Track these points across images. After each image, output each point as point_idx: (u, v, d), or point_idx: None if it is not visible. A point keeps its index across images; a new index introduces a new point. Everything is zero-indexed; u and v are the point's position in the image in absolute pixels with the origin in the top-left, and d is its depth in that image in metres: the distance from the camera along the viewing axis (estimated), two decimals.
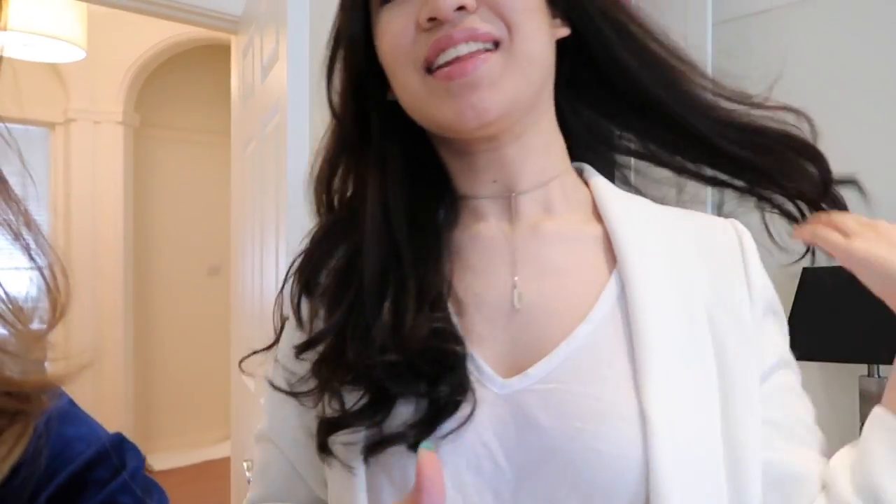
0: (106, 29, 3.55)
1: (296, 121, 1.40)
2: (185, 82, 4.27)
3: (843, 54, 2.03)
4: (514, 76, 0.54)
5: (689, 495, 0.47)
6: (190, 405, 4.58)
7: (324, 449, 0.53)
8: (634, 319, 0.52)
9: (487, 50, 0.53)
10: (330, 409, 0.52)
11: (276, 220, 1.54)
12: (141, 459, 0.35)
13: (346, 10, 0.60)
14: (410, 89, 0.56)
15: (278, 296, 0.64)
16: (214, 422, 4.63)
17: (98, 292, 3.91)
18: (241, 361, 0.67)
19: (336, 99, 0.63)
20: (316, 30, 1.48)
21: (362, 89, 0.60)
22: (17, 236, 0.31)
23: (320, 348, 0.55)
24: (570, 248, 0.57)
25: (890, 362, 0.58)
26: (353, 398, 0.51)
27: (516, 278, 0.55)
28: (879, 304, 0.64)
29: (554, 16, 0.59)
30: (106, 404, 3.94)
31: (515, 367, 0.52)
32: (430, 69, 0.54)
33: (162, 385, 4.45)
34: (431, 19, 0.52)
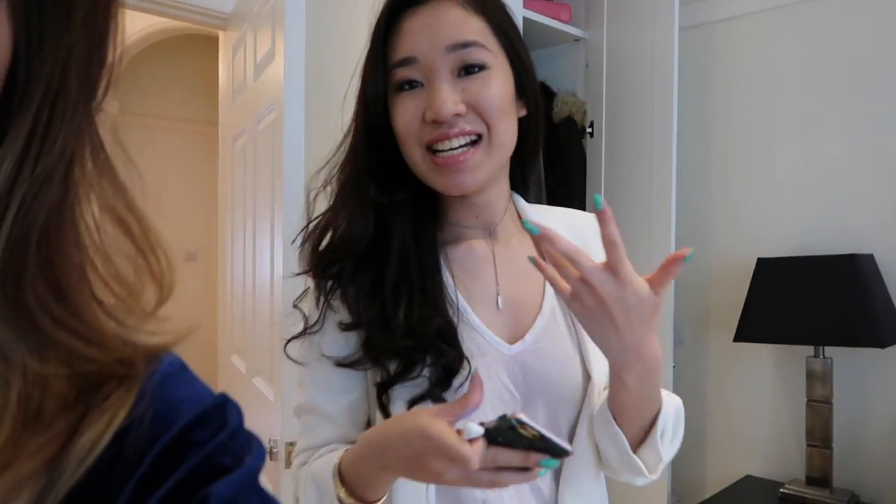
0: None
1: (291, 119, 1.50)
2: (163, 73, 4.29)
3: (805, 60, 2.18)
4: (489, 162, 0.80)
5: (599, 382, 0.82)
6: None
7: (381, 404, 0.78)
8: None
9: (473, 142, 0.78)
10: (381, 374, 0.78)
11: (271, 211, 1.64)
12: (241, 417, 0.36)
13: (367, 75, 0.82)
14: (414, 160, 0.81)
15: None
16: None
17: None
18: (285, 344, 0.86)
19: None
20: (311, 31, 1.58)
21: (372, 134, 0.83)
22: (120, 220, 0.32)
23: (359, 333, 0.80)
24: (523, 253, 0.82)
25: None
26: (394, 366, 0.77)
27: (498, 291, 0.86)
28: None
29: (519, 97, 0.84)
30: None
31: (511, 337, 0.83)
32: (430, 148, 0.79)
33: None
34: (433, 121, 0.77)
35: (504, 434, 0.61)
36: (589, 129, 2.44)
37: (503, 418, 0.61)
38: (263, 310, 1.73)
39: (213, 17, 2.20)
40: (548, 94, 2.48)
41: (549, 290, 0.85)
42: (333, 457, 0.74)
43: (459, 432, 0.61)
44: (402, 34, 0.79)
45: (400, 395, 0.77)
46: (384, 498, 0.71)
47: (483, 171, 0.79)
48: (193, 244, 4.62)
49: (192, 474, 0.31)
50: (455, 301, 0.82)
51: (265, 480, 1.69)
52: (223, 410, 0.35)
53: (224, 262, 2.34)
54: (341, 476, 0.71)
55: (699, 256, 2.33)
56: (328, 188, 0.85)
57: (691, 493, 2.36)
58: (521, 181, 0.93)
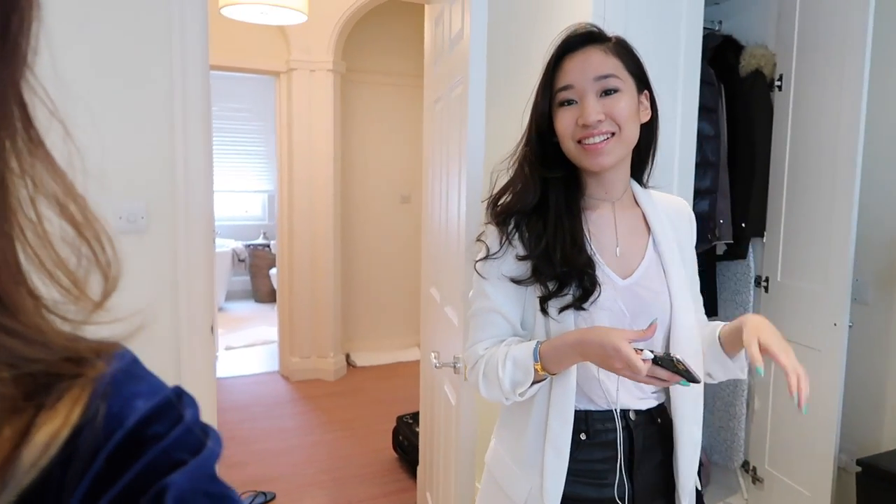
0: None
1: (475, 96, 1.77)
2: (381, 32, 4.78)
3: None
4: (618, 149, 1.18)
5: (684, 310, 1.19)
6: (384, 314, 5.32)
7: (542, 309, 1.17)
8: (661, 252, 1.23)
9: (608, 138, 1.16)
10: (543, 290, 1.17)
11: (458, 169, 1.95)
12: (196, 410, 0.36)
13: (538, 97, 1.22)
14: (569, 149, 1.20)
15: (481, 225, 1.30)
16: (404, 329, 5.36)
17: (313, 213, 4.66)
18: (475, 263, 1.25)
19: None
20: (494, 12, 1.82)
21: (540, 135, 1.23)
22: (61, 207, 0.30)
23: (529, 263, 1.18)
24: (635, 222, 1.26)
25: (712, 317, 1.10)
26: (553, 285, 1.16)
27: (618, 246, 1.23)
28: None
29: (640, 91, 1.21)
30: (319, 312, 4.75)
31: (623, 274, 1.21)
32: (579, 142, 1.17)
33: (362, 296, 5.20)
34: (584, 125, 1.16)
35: (664, 362, 1.01)
36: (778, 83, 2.41)
37: (668, 354, 1.02)
38: (452, 250, 2.07)
39: None
40: (735, 47, 2.48)
41: (650, 246, 1.24)
42: (528, 344, 1.15)
43: (639, 351, 1.00)
44: (563, 70, 1.19)
45: (554, 305, 1.16)
46: (563, 372, 1.15)
47: (614, 155, 1.18)
48: (407, 188, 5.17)
49: (147, 470, 0.31)
50: (591, 247, 1.19)
51: (448, 389, 2.07)
52: (178, 404, 0.34)
53: (425, 207, 2.72)
54: (538, 355, 1.12)
55: (883, 212, 2.24)
56: (508, 171, 1.25)
57: (863, 451, 2.35)
58: (639, 173, 1.31)
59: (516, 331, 1.22)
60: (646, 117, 1.22)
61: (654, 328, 1.06)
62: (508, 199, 1.22)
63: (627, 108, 1.16)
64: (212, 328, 2.34)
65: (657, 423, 1.23)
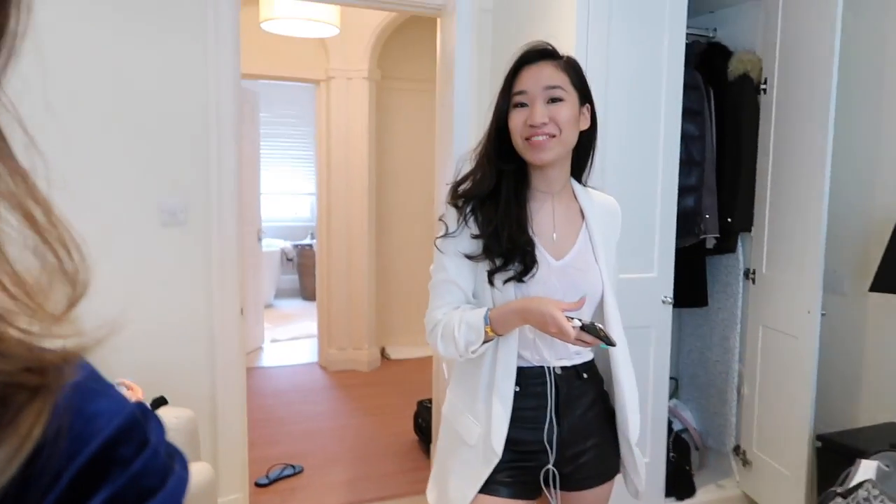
0: (356, 9, 4.42)
1: (460, 97, 2.01)
2: (413, 41, 5.05)
3: None
4: (557, 148, 1.40)
5: (611, 289, 1.45)
6: (418, 310, 5.56)
7: (490, 281, 1.38)
8: (591, 236, 1.46)
9: (549, 137, 1.38)
10: (490, 265, 1.38)
11: (444, 162, 2.18)
12: (162, 430, 0.34)
13: (500, 99, 1.44)
14: (517, 144, 1.41)
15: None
16: None
17: (349, 214, 4.95)
18: (436, 239, 1.45)
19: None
20: (484, 28, 2.04)
21: (499, 131, 1.45)
22: (22, 209, 0.28)
23: (481, 241, 1.39)
24: (572, 213, 1.49)
25: None
26: (499, 261, 1.37)
27: (554, 232, 1.45)
28: None
29: (582, 104, 1.43)
30: (355, 307, 5.03)
31: (557, 256, 1.43)
32: (527, 139, 1.38)
33: (397, 292, 5.45)
34: (531, 125, 1.37)
35: (589, 328, 1.27)
36: (763, 86, 2.56)
37: (592, 323, 1.28)
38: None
39: (428, 8, 2.76)
40: (724, 53, 2.63)
41: (582, 232, 1.47)
42: (480, 311, 1.36)
43: (570, 319, 1.25)
44: (520, 78, 1.42)
45: (499, 278, 1.38)
46: (509, 334, 1.38)
47: (553, 153, 1.40)
48: (431, 181, 5.41)
49: (115, 498, 0.30)
50: (532, 231, 1.42)
51: (444, 367, 2.31)
52: (144, 424, 0.33)
53: (432, 189, 2.96)
54: (488, 320, 1.35)
55: (860, 207, 2.36)
56: (470, 161, 1.48)
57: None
58: (579, 172, 1.53)
59: (468, 299, 1.45)
60: (585, 125, 1.46)
61: (582, 301, 1.34)
62: (468, 186, 1.45)
63: (568, 115, 1.39)
64: (241, 310, 2.64)
65: (582, 378, 1.46)
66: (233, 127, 2.52)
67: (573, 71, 1.44)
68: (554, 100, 1.38)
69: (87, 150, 2.38)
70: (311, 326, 6.29)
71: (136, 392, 2.17)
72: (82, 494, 0.29)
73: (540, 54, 1.44)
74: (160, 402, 2.32)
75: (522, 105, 1.40)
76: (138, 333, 2.53)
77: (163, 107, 2.48)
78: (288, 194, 8.07)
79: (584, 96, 1.44)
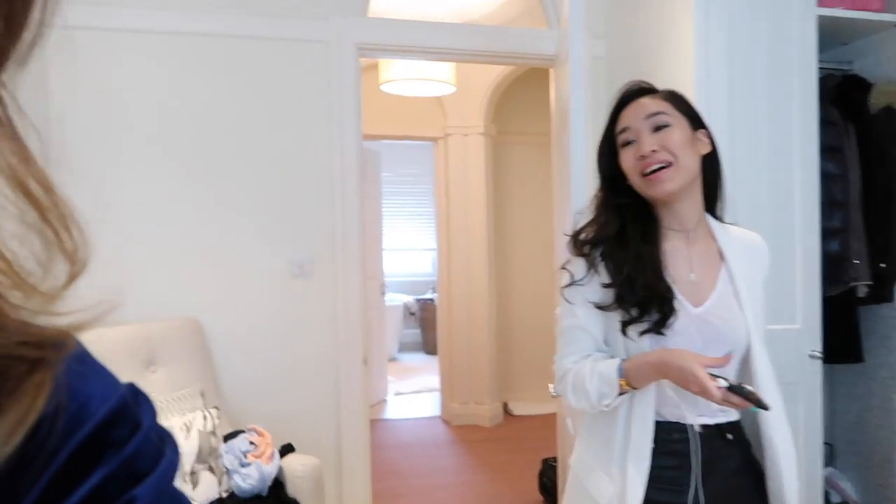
0: (471, 67, 4.55)
1: (576, 148, 1.98)
2: (527, 95, 5.10)
3: None
4: (678, 177, 1.29)
5: (759, 342, 1.30)
6: (541, 366, 5.44)
7: (623, 332, 1.29)
8: (733, 278, 1.32)
9: (666, 166, 1.28)
10: (624, 315, 1.28)
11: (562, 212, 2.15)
12: (153, 412, 0.34)
13: (603, 146, 1.40)
14: (636, 183, 1.33)
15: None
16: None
17: (469, 268, 4.98)
18: (562, 288, 1.38)
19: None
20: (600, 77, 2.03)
21: (612, 180, 1.38)
22: (22, 187, 0.27)
23: (612, 290, 1.30)
24: (710, 254, 1.36)
25: None
26: (634, 311, 1.27)
27: (692, 272, 1.33)
28: None
29: (695, 129, 1.34)
30: (476, 362, 4.97)
31: (696, 302, 1.31)
32: (643, 174, 1.30)
33: (519, 348, 5.36)
34: (641, 157, 1.30)
35: (737, 390, 1.14)
36: None
37: (741, 385, 1.15)
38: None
39: (541, 59, 2.79)
40: (861, 85, 2.44)
41: (722, 274, 1.34)
42: (613, 361, 1.28)
43: (715, 377, 1.14)
44: (621, 117, 1.37)
45: (634, 329, 1.28)
46: (645, 388, 1.27)
47: (675, 182, 1.29)
48: (549, 234, 5.34)
49: (110, 479, 0.30)
50: (668, 275, 1.31)
51: (569, 423, 2.23)
52: (136, 406, 0.33)
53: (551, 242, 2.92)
54: (622, 372, 1.26)
55: None
56: (587, 212, 1.41)
57: None
58: (712, 206, 1.41)
59: (599, 346, 1.35)
60: (704, 150, 1.34)
61: (728, 358, 1.20)
62: (591, 233, 1.37)
63: (680, 139, 1.29)
64: (364, 360, 2.70)
65: (726, 439, 1.31)
66: (355, 186, 2.64)
67: (675, 98, 1.36)
68: (659, 127, 1.30)
69: (232, 204, 2.68)
70: (434, 380, 6.31)
71: (265, 438, 2.25)
72: (79, 473, 0.29)
73: (637, 92, 1.38)
74: (288, 448, 2.39)
75: (629, 143, 1.32)
76: (267, 381, 2.66)
77: (292, 170, 2.70)
78: (410, 250, 8.28)
79: (695, 121, 1.35)
